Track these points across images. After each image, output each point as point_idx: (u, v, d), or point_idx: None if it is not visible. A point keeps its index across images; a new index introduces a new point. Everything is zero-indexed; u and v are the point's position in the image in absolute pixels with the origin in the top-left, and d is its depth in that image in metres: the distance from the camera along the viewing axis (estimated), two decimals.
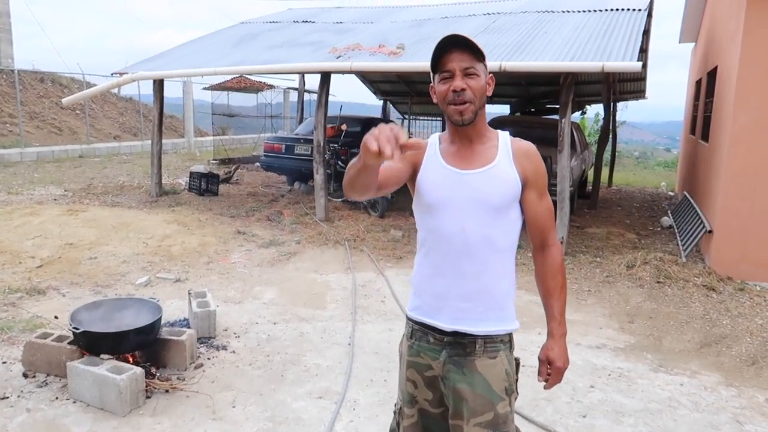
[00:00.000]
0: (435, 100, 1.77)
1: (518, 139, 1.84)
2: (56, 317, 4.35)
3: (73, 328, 3.24)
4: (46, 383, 3.37)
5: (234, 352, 3.93)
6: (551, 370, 1.84)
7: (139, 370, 3.16)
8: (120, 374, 3.10)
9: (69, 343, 3.42)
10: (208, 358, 3.81)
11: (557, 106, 13.54)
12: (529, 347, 3.91)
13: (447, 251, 1.79)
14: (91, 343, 3.31)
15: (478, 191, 1.75)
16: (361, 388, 3.48)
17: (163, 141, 10.43)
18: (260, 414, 3.16)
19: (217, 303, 4.44)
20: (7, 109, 16.15)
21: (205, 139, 19.99)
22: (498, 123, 10.62)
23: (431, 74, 1.79)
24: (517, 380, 1.85)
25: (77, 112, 18.01)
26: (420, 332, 1.87)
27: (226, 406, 3.22)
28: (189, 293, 4.33)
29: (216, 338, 4.12)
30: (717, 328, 4.76)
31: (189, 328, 4.15)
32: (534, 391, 3.41)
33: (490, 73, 1.80)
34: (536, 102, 14.27)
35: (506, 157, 1.78)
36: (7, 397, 3.20)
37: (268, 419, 3.11)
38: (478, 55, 1.72)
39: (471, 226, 1.75)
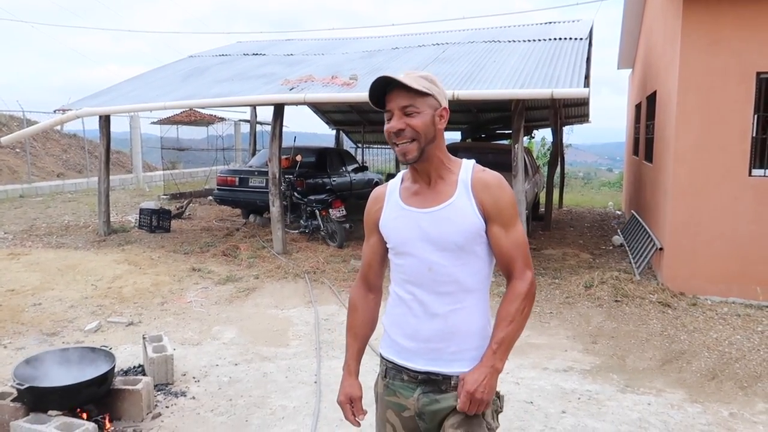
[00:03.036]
0: None
1: (481, 169, 1.76)
2: None
3: (17, 384, 3.00)
4: None
5: (194, 398, 3.74)
6: (463, 391, 1.66)
7: (91, 426, 2.95)
8: None
9: (12, 401, 3.17)
10: (167, 407, 3.60)
11: (507, 131, 13.96)
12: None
13: (415, 292, 1.74)
14: (37, 400, 3.08)
15: (437, 231, 1.70)
16: (330, 430, 3.35)
17: (111, 177, 10.09)
18: None
19: (174, 346, 4.24)
20: None
21: (155, 174, 19.49)
22: (451, 150, 10.71)
23: None
24: (498, 412, 1.80)
25: (17, 150, 17.29)
26: (394, 371, 1.81)
27: None
28: (143, 338, 4.12)
29: (174, 384, 3.92)
30: (676, 344, 4.85)
31: (144, 375, 3.94)
32: (507, 421, 3.36)
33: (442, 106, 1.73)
34: (486, 128, 14.59)
35: (464, 192, 1.71)
36: None
37: None
38: (418, 92, 1.66)
39: (437, 267, 1.70)
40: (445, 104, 1.74)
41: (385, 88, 1.69)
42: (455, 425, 1.70)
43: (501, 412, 1.80)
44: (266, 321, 5.34)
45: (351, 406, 1.85)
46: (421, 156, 1.69)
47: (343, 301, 5.96)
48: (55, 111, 9.56)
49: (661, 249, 6.90)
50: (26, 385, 2.99)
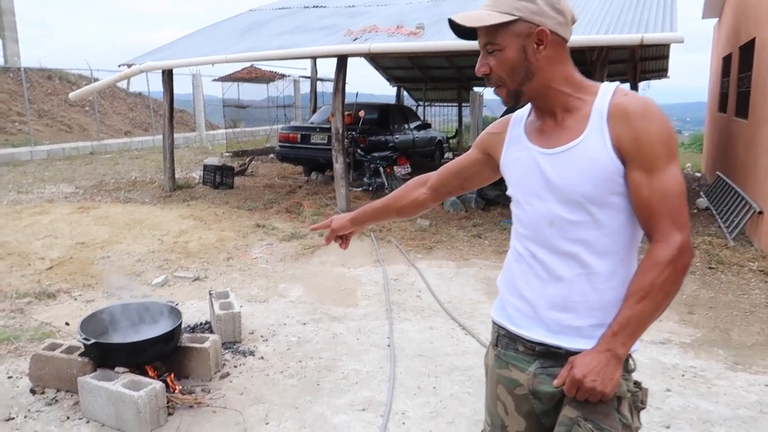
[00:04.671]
0: None
1: (624, 93, 1.33)
2: (67, 324, 4.00)
3: (84, 339, 2.87)
4: (56, 400, 3.01)
5: (263, 358, 3.55)
6: (568, 376, 1.32)
7: (158, 385, 2.79)
8: (137, 390, 2.72)
9: (80, 355, 3.05)
10: (235, 366, 3.43)
11: None
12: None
13: (535, 250, 1.40)
14: (103, 356, 2.94)
15: (559, 178, 1.33)
16: (408, 398, 3.08)
17: (175, 135, 10.09)
18: (297, 431, 2.77)
19: (240, 303, 4.06)
20: (16, 107, 15.90)
21: (217, 132, 19.66)
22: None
23: None
24: (640, 408, 1.42)
25: (86, 109, 17.73)
26: (506, 339, 1.47)
27: (258, 423, 2.84)
28: (210, 294, 3.96)
29: (242, 343, 3.75)
30: None
31: (212, 332, 3.78)
32: None
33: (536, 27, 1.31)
34: None
35: (597, 125, 1.31)
36: (13, 418, 2.84)
37: None
38: (494, 25, 1.30)
39: (559, 222, 1.34)
40: (546, 23, 1.30)
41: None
42: (576, 412, 1.33)
43: (644, 408, 1.42)
44: (333, 280, 5.12)
45: (334, 231, 1.82)
46: (518, 99, 1.35)
47: (411, 261, 5.67)
48: (119, 66, 9.54)
49: (760, 213, 6.23)
50: (92, 341, 2.85)
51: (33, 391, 3.07)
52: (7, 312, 4.19)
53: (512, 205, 1.47)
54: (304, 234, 6.65)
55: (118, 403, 2.72)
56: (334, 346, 3.73)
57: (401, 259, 5.77)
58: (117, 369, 2.90)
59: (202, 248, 5.94)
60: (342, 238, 1.86)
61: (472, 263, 5.71)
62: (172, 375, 3.09)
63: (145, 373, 3.00)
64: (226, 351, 3.58)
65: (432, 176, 1.70)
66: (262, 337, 3.86)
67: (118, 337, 3.18)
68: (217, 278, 5.10)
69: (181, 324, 3.13)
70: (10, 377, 3.24)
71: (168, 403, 2.87)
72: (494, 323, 1.53)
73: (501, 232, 6.90)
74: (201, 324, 3.97)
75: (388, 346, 3.74)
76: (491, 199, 8.61)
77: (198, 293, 4.71)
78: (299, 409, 2.97)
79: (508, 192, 1.46)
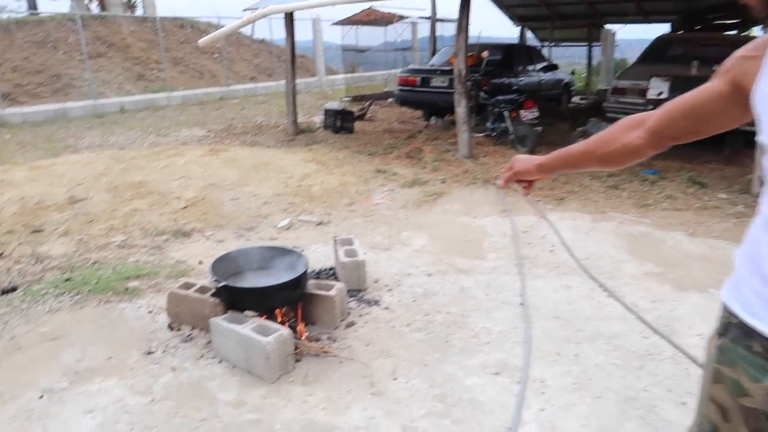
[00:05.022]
0: None
1: None
2: (200, 262, 4.11)
3: (215, 281, 2.87)
4: (191, 337, 3.08)
5: (388, 308, 3.42)
6: None
7: (286, 332, 2.73)
8: (266, 336, 2.69)
9: (212, 296, 3.08)
10: (360, 315, 3.33)
11: (730, 22, 11.40)
12: None
13: None
14: (233, 299, 2.94)
15: None
16: (546, 365, 2.80)
17: (296, 81, 10.14)
18: (427, 390, 2.61)
19: (364, 250, 3.94)
20: (154, 55, 16.89)
21: (336, 77, 19.77)
22: (662, 43, 9.01)
23: None
24: None
25: (215, 56, 18.47)
26: (738, 330, 1.12)
27: (385, 377, 2.72)
28: (334, 240, 3.87)
29: (366, 291, 3.64)
30: None
31: (336, 279, 3.71)
32: None
33: None
34: (702, 18, 12.07)
35: None
36: (153, 352, 2.94)
37: (437, 398, 2.55)
38: None
39: None
40: None
41: None
42: None
43: None
44: (458, 229, 4.87)
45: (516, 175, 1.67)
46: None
47: (541, 212, 5.25)
48: (244, 11, 9.66)
49: None
50: (223, 283, 2.85)
51: (170, 327, 3.17)
52: (147, 248, 4.41)
53: (763, 156, 1.10)
54: (425, 180, 6.43)
55: (248, 347, 2.70)
56: (462, 301, 3.52)
57: (530, 210, 5.37)
58: (246, 312, 2.89)
59: (324, 192, 5.92)
60: (527, 183, 1.66)
61: (610, 217, 5.19)
62: (301, 323, 3.04)
63: (273, 318, 2.97)
64: (351, 299, 3.49)
65: (651, 116, 1.29)
66: (386, 286, 3.73)
67: (247, 281, 3.17)
68: (340, 223, 5.05)
69: (307, 270, 3.05)
70: (150, 312, 3.37)
71: (295, 349, 2.82)
72: (724, 306, 1.17)
73: (641, 184, 6.24)
74: (325, 270, 3.91)
75: (521, 304, 3.45)
76: None
77: (322, 238, 4.68)
78: (428, 366, 2.80)
79: (761, 138, 1.08)
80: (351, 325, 3.20)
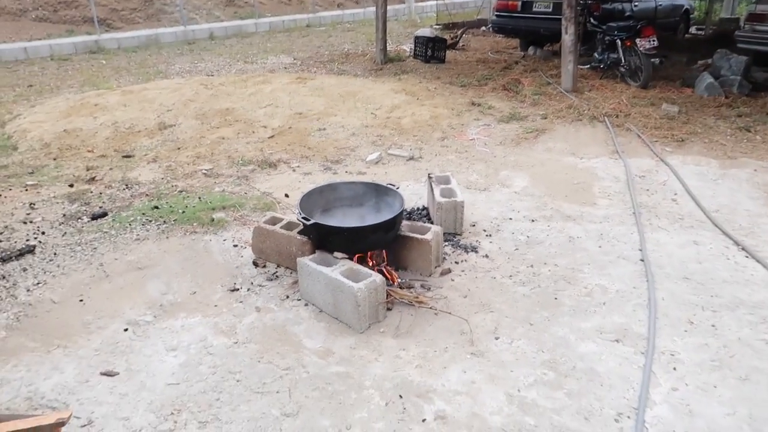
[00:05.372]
0: None
1: None
2: (287, 195, 3.93)
3: (303, 218, 2.64)
4: (277, 276, 2.91)
5: (487, 256, 3.09)
6: None
7: (379, 279, 2.48)
8: (357, 281, 2.44)
9: (299, 233, 2.87)
10: (456, 263, 3.02)
11: None
12: None
13: None
14: (322, 238, 2.71)
15: None
16: (677, 335, 2.40)
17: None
18: (534, 355, 2.30)
19: (459, 189, 3.58)
20: None
21: (426, 5, 18.78)
22: None
23: None
24: None
25: None
26: None
27: (486, 335, 2.43)
28: (429, 178, 3.53)
29: (462, 236, 3.32)
30: None
31: (429, 220, 3.41)
32: None
33: None
34: None
35: None
36: (238, 289, 2.80)
37: (546, 365, 2.24)
38: None
39: None
40: None
41: None
42: None
43: None
44: (563, 170, 4.39)
45: None
46: None
47: (659, 154, 4.66)
48: None
49: None
50: (312, 221, 2.61)
51: (255, 264, 3.01)
52: (234, 178, 4.27)
53: None
54: (524, 115, 5.89)
55: (337, 292, 2.48)
56: (572, 252, 3.12)
57: (645, 152, 4.77)
58: (336, 254, 2.66)
59: (415, 125, 5.55)
60: None
61: (743, 163, 4.50)
62: (394, 272, 2.78)
63: (363, 261, 2.72)
64: (446, 243, 3.18)
65: None
66: (485, 231, 3.39)
67: (337, 219, 2.93)
68: (432, 159, 4.69)
69: (403, 211, 2.75)
70: (235, 246, 3.23)
71: (387, 297, 2.57)
72: None
73: None
74: (418, 210, 3.61)
75: (641, 260, 3.02)
76: (760, 83, 6.85)
77: (413, 174, 4.36)
78: (535, 326, 2.48)
79: None
80: (447, 272, 2.91)
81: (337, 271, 2.52)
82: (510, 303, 2.65)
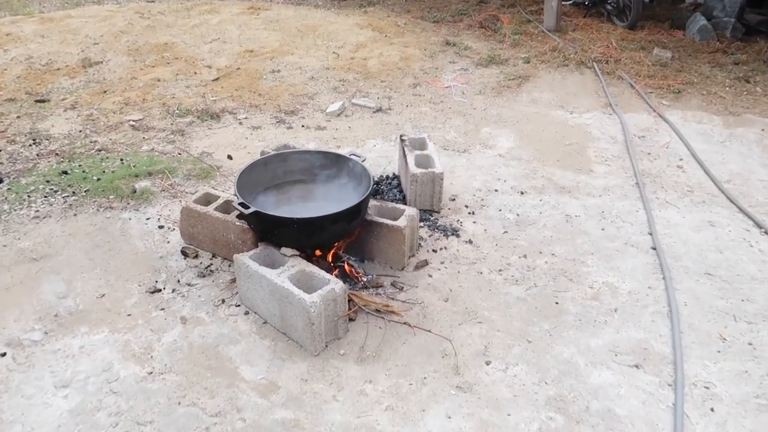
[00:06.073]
0: None
1: None
2: (230, 157, 3.28)
3: (240, 204, 2.03)
4: (211, 271, 2.32)
5: (471, 242, 2.56)
6: None
7: (339, 287, 1.92)
8: (310, 290, 1.89)
9: (238, 217, 2.27)
10: (434, 250, 2.48)
11: None
12: None
13: None
14: (266, 230, 2.11)
15: None
16: (709, 358, 1.94)
17: None
18: (536, 389, 1.81)
19: (436, 151, 2.98)
20: None
21: None
22: None
23: None
24: None
25: None
26: None
27: (474, 358, 1.92)
28: (402, 140, 2.93)
29: (441, 214, 2.76)
30: None
31: (401, 192, 2.84)
32: None
33: None
34: None
35: None
36: (160, 290, 2.21)
37: (552, 405, 1.76)
38: None
39: None
40: None
41: None
42: None
43: None
44: (552, 128, 3.83)
45: None
46: None
47: (657, 109, 4.13)
48: None
49: None
50: (252, 209, 2.00)
51: (185, 254, 2.41)
52: (167, 133, 3.57)
53: None
54: (505, 58, 5.24)
55: (284, 303, 1.92)
56: (571, 237, 2.61)
57: (641, 106, 4.24)
58: (283, 250, 2.08)
59: (383, 68, 4.86)
60: None
61: (748, 121, 4.03)
62: (359, 269, 2.22)
63: (320, 258, 2.16)
64: (422, 224, 2.63)
65: None
66: (467, 207, 2.84)
67: (285, 202, 2.33)
68: (403, 111, 4.06)
69: (369, 195, 2.17)
70: (161, 227, 2.60)
71: (349, 304, 2.03)
72: None
73: None
74: (387, 178, 3.02)
75: (653, 248, 2.53)
76: (753, 27, 6.32)
77: (381, 129, 3.74)
78: (533, 344, 1.98)
79: None
80: (423, 265, 2.37)
81: (285, 276, 1.95)
82: (502, 309, 2.14)
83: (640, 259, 2.46)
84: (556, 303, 2.18)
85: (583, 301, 2.20)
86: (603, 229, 2.68)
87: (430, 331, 1.99)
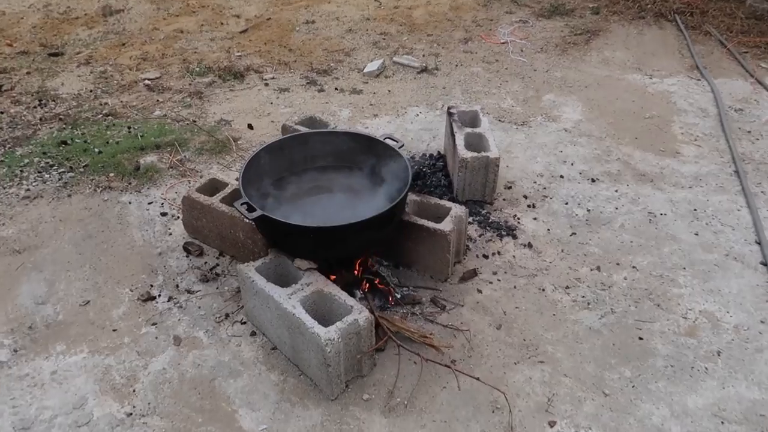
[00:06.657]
0: None
1: None
2: (251, 127, 2.86)
3: (244, 203, 1.61)
4: (216, 274, 1.94)
5: (530, 245, 2.09)
6: None
7: (363, 318, 1.51)
8: (326, 323, 1.48)
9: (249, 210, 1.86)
10: (485, 256, 2.04)
11: None
12: None
13: None
14: (277, 237, 1.70)
15: None
16: None
17: None
18: None
19: (489, 125, 2.48)
20: None
21: None
22: None
23: None
24: None
25: None
26: None
27: (533, 418, 1.50)
28: (450, 113, 2.43)
29: (495, 206, 2.30)
30: None
31: (446, 177, 2.37)
32: None
33: None
34: None
35: None
36: (154, 298, 1.85)
37: None
38: None
39: None
40: None
41: None
42: None
43: None
44: (628, 95, 3.25)
45: None
46: None
47: (753, 73, 3.47)
48: None
49: None
50: (257, 213, 1.59)
51: (187, 250, 2.03)
52: (183, 96, 3.17)
53: None
54: (570, 8, 4.57)
55: (295, 333, 1.53)
56: (656, 243, 2.11)
57: (735, 69, 3.58)
58: (297, 263, 1.67)
59: (430, 19, 4.29)
60: None
61: None
62: (392, 284, 1.79)
63: (343, 275, 1.74)
64: (471, 220, 2.18)
65: None
66: (526, 198, 2.36)
67: (303, 199, 1.90)
68: (452, 72, 3.52)
69: (407, 195, 1.72)
70: (164, 214, 2.23)
71: (377, 328, 1.62)
72: None
73: None
74: (430, 157, 2.56)
75: (763, 264, 2.02)
76: None
77: (425, 94, 3.24)
78: (612, 399, 1.54)
79: None
80: (471, 276, 1.93)
81: (297, 299, 1.55)
82: (570, 344, 1.70)
83: (748, 279, 1.95)
84: (640, 339, 1.72)
85: (676, 337, 1.73)
86: (696, 234, 2.16)
87: (478, 378, 1.56)
